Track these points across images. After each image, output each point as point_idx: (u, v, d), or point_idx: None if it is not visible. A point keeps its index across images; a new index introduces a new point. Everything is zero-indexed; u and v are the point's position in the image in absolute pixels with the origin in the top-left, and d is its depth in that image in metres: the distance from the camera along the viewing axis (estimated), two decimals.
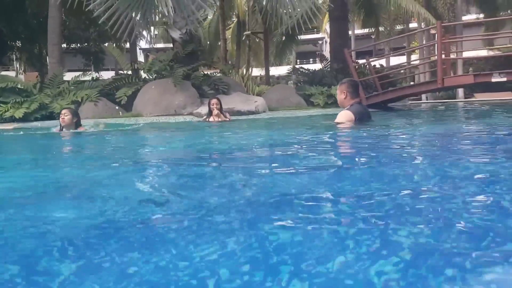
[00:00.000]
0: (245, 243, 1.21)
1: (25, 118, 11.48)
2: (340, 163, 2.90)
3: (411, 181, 2.07)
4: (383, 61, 25.12)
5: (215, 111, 8.36)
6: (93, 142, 5.78)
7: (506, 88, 22.39)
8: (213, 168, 2.82)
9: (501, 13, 26.58)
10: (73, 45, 24.77)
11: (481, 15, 29.43)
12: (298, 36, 25.35)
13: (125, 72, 15.28)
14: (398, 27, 30.87)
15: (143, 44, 27.55)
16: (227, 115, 8.86)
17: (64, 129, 6.70)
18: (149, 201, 1.82)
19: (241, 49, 26.42)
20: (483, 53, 27.97)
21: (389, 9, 23.39)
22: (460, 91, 24.92)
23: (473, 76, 11.80)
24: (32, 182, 2.56)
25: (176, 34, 13.65)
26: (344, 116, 5.36)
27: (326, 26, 30.05)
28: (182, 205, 1.75)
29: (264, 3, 13.67)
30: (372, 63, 14.94)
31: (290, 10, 12.34)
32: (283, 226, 1.34)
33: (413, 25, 32.41)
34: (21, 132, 7.98)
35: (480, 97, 23.94)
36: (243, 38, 26.82)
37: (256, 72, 34.17)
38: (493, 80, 10.98)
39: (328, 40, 23.82)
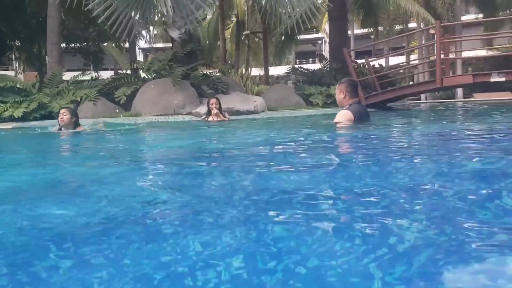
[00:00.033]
0: (241, 238, 1.21)
1: (24, 118, 11.49)
2: (339, 162, 2.90)
3: (410, 180, 2.07)
4: (382, 61, 25.17)
5: (214, 111, 8.36)
6: (92, 141, 5.78)
7: (505, 88, 22.42)
8: (211, 167, 2.82)
9: (500, 13, 26.59)
10: (72, 45, 24.77)
11: (480, 15, 29.43)
12: (298, 36, 25.39)
13: (124, 71, 15.29)
14: (397, 27, 30.86)
15: (142, 43, 27.57)
16: (226, 114, 8.86)
17: (63, 129, 6.69)
18: (147, 199, 1.82)
19: (240, 48, 26.44)
20: (482, 53, 28.01)
21: (388, 9, 23.41)
22: (459, 91, 24.94)
23: (472, 76, 11.81)
24: (31, 181, 2.57)
25: (175, 34, 13.64)
26: (343, 116, 5.36)
27: (326, 26, 30.04)
28: (180, 203, 1.75)
29: (263, 2, 13.68)
30: (371, 63, 14.95)
31: (289, 10, 12.34)
32: (279, 222, 1.35)
33: (412, 25, 32.42)
34: (20, 132, 7.99)
35: (479, 97, 23.94)
36: (242, 38, 26.83)
37: (256, 72, 34.18)
38: (492, 80, 10.99)
39: (328, 40, 23.84)
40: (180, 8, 10.82)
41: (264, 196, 1.80)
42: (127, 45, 25.16)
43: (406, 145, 3.75)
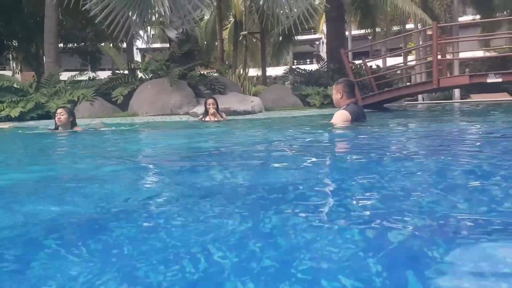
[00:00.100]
0: (233, 233, 1.22)
1: (21, 117, 11.48)
2: (337, 161, 2.91)
3: (405, 178, 2.09)
4: (379, 62, 25.18)
5: (212, 111, 8.37)
6: (90, 141, 5.78)
7: (502, 89, 22.52)
8: (208, 166, 2.83)
9: (497, 14, 26.67)
10: (70, 45, 24.74)
11: (478, 16, 29.51)
12: (295, 37, 25.39)
13: (121, 71, 15.28)
14: (395, 28, 30.92)
15: (140, 44, 27.54)
16: (223, 115, 8.86)
17: (60, 128, 6.69)
18: (142, 196, 1.83)
19: (238, 49, 26.47)
20: (480, 54, 28.07)
21: (385, 10, 23.45)
22: (457, 92, 25.01)
23: (469, 76, 11.85)
24: (29, 179, 2.57)
25: (172, 34, 13.64)
26: (341, 116, 5.36)
27: (323, 27, 30.09)
28: (177, 201, 1.76)
29: (261, 3, 13.67)
30: (368, 64, 14.98)
31: (287, 11, 12.36)
32: (271, 217, 1.36)
33: (409, 26, 32.48)
34: (20, 131, 8.00)
35: (476, 98, 24.03)
36: (240, 38, 26.85)
37: (253, 72, 34.20)
38: (489, 80, 11.02)
39: (325, 41, 23.85)
40: (178, 8, 10.83)
41: (258, 194, 1.81)
42: (124, 45, 25.13)
43: (402, 145, 3.76)
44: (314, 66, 22.21)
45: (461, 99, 24.79)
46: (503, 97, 22.49)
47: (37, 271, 1.05)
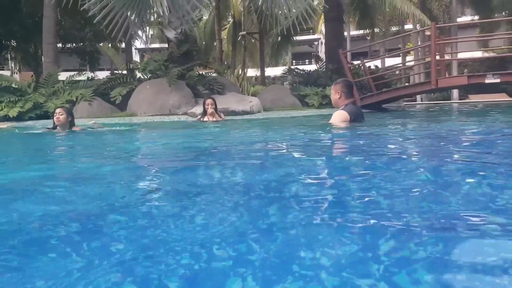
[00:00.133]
0: (227, 230, 1.23)
1: (19, 117, 11.48)
2: (337, 161, 2.92)
3: (403, 178, 2.09)
4: (378, 62, 25.21)
5: (210, 111, 8.37)
6: (89, 141, 5.78)
7: (500, 89, 22.54)
8: (206, 165, 2.83)
9: (495, 15, 26.70)
10: (68, 45, 24.71)
11: (476, 17, 29.55)
12: (294, 37, 25.40)
13: (120, 71, 15.28)
14: (393, 29, 30.94)
15: (138, 44, 27.53)
16: (222, 115, 8.87)
17: (58, 128, 6.68)
18: (143, 194, 1.84)
19: (236, 49, 26.45)
20: (478, 54, 28.09)
21: (384, 11, 23.48)
22: (455, 93, 25.02)
23: (467, 77, 11.86)
24: (30, 177, 2.57)
25: (171, 34, 13.65)
26: (339, 116, 5.36)
27: (322, 27, 30.10)
28: (173, 199, 1.76)
29: (259, 3, 13.68)
30: (367, 64, 14.98)
31: (285, 11, 12.36)
32: (268, 215, 1.36)
33: (408, 26, 32.50)
34: (17, 131, 7.99)
35: (474, 98, 24.03)
36: (239, 39, 26.83)
37: (252, 72, 34.20)
38: (487, 81, 11.03)
39: (324, 41, 23.87)
40: (176, 9, 10.83)
41: (253, 192, 1.81)
42: (123, 45, 25.14)
43: (400, 145, 3.77)
44: (312, 67, 22.21)
45: (460, 99, 24.80)
46: (501, 97, 22.50)
47: (34, 268, 1.05)
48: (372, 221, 1.30)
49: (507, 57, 23.32)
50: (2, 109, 11.63)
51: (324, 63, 18.48)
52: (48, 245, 1.23)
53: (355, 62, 17.63)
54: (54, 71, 13.51)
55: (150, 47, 24.90)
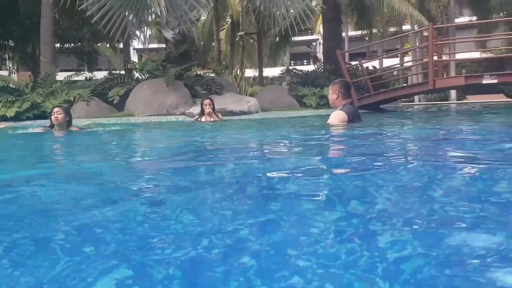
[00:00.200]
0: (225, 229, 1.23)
1: (16, 117, 11.46)
2: (336, 161, 2.92)
3: (401, 178, 2.10)
4: (376, 63, 25.23)
5: (208, 111, 8.37)
6: (87, 140, 5.78)
7: (498, 90, 22.58)
8: (204, 164, 2.84)
9: (493, 16, 26.73)
10: (67, 45, 24.68)
11: (474, 18, 29.59)
12: (292, 38, 25.40)
13: (118, 72, 15.26)
14: (391, 29, 30.96)
15: (136, 44, 27.50)
16: (219, 115, 8.88)
17: (55, 127, 6.66)
18: (142, 192, 1.84)
19: (235, 49, 26.44)
20: (476, 55, 28.13)
21: (382, 11, 23.46)
22: (453, 93, 25.04)
23: (464, 78, 11.88)
24: (26, 178, 2.58)
25: (168, 34, 13.65)
26: (337, 117, 5.37)
27: (320, 28, 30.09)
28: (173, 197, 1.77)
29: (257, 3, 13.68)
30: (365, 65, 15.00)
31: (283, 11, 12.36)
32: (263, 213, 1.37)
33: (406, 27, 32.52)
34: (9, 131, 7.98)
35: (472, 99, 24.07)
36: (237, 39, 26.85)
37: (250, 73, 34.20)
38: (484, 82, 11.06)
39: (322, 42, 23.88)
40: (174, 9, 10.83)
41: (249, 191, 1.82)
42: (121, 45, 25.11)
43: (397, 145, 3.78)
44: (311, 67, 22.22)
45: (458, 100, 24.82)
46: (499, 98, 22.54)
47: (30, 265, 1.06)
48: (367, 217, 1.30)
49: (505, 58, 23.38)
50: None
51: (322, 64, 18.50)
52: (41, 243, 1.24)
53: (353, 63, 17.65)
54: (52, 71, 13.49)
55: (148, 47, 24.91)
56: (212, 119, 8.38)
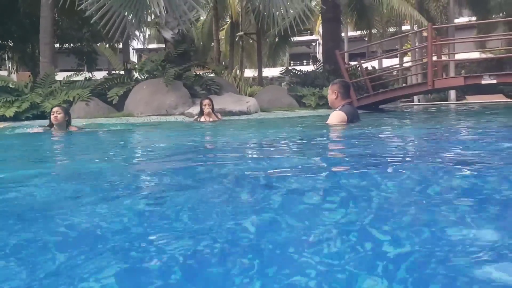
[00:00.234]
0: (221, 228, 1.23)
1: (16, 117, 11.44)
2: (336, 161, 2.92)
3: (400, 178, 2.10)
4: (375, 63, 25.26)
5: (207, 111, 8.37)
6: (86, 140, 5.78)
7: (497, 90, 22.59)
8: (203, 164, 2.84)
9: (493, 16, 26.75)
10: (66, 45, 24.66)
11: (474, 18, 29.60)
12: (292, 38, 25.40)
13: (117, 72, 15.24)
14: (391, 29, 30.97)
15: (136, 44, 27.49)
16: (219, 115, 8.88)
17: (54, 127, 6.65)
18: (140, 191, 1.84)
19: (234, 50, 26.45)
20: (476, 55, 28.14)
21: (381, 11, 23.49)
22: (452, 94, 25.06)
23: (464, 78, 11.89)
24: (25, 178, 2.58)
25: (168, 34, 13.64)
26: (337, 117, 5.37)
27: (320, 28, 30.11)
28: (172, 196, 1.77)
29: (257, 3, 13.68)
30: (364, 65, 15.00)
31: (283, 12, 12.36)
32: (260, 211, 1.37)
33: (405, 27, 32.53)
34: (7, 132, 7.97)
35: (471, 99, 24.08)
36: (236, 39, 26.86)
37: (250, 73, 34.20)
38: (483, 82, 11.06)
39: (321, 42, 23.89)
40: (173, 9, 10.82)
41: (247, 190, 1.82)
42: (121, 45, 25.09)
43: (396, 146, 3.79)
44: (310, 68, 22.22)
45: (457, 100, 24.84)
46: (498, 98, 22.55)
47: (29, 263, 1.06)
48: (365, 215, 1.31)
49: (504, 58, 23.40)
50: None
51: (321, 64, 18.49)
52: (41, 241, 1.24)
53: (352, 63, 17.65)
54: (51, 71, 13.47)
55: (147, 47, 24.84)
56: (211, 119, 8.38)
